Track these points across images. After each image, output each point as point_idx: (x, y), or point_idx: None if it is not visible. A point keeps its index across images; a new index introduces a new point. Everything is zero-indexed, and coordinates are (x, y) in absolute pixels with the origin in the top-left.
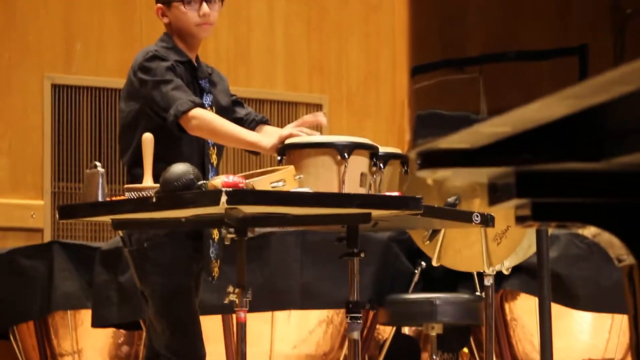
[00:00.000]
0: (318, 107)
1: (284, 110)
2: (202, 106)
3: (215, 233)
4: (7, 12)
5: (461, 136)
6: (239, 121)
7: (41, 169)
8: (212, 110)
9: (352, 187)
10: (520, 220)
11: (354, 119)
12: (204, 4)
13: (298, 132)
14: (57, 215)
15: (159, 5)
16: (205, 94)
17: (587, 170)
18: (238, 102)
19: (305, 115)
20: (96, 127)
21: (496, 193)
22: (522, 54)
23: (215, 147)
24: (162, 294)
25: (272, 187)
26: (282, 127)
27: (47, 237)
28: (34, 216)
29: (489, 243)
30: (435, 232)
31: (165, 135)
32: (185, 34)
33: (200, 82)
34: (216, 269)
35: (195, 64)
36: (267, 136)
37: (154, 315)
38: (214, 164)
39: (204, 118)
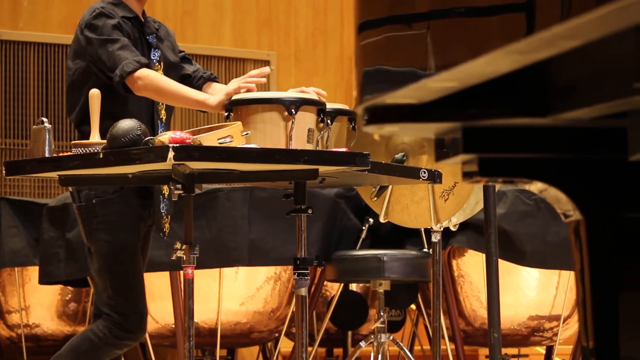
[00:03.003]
0: (266, 63)
1: (231, 67)
2: (148, 66)
3: (166, 189)
4: None
5: (408, 91)
6: (187, 78)
7: None
8: (160, 67)
9: (300, 143)
10: (467, 175)
11: (302, 75)
12: None
13: (244, 85)
14: (3, 171)
15: None
16: (152, 49)
17: (533, 125)
18: (186, 59)
19: (252, 70)
20: (43, 83)
21: (443, 149)
22: (470, 10)
23: (160, 64)
24: (107, 252)
25: (220, 143)
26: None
27: None
28: None
29: (437, 200)
30: (382, 189)
31: (113, 92)
32: None
33: (148, 37)
34: (167, 225)
35: (142, 20)
36: (213, 94)
37: (97, 272)
38: (163, 120)
39: (150, 78)
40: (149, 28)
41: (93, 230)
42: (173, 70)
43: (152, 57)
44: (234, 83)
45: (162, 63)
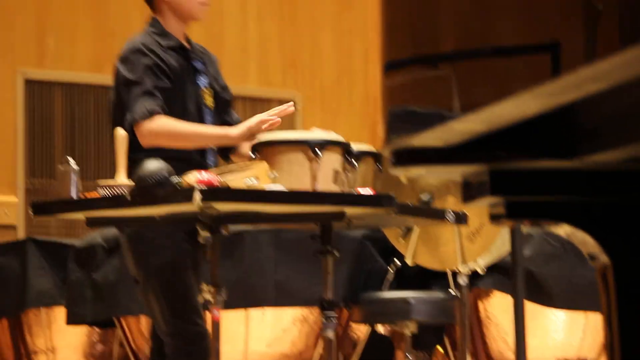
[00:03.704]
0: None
1: (256, 107)
2: (160, 113)
3: None
4: None
5: (435, 134)
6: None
7: (14, 165)
8: (209, 92)
9: (325, 184)
10: (494, 218)
11: (328, 115)
12: None
13: (267, 119)
14: (30, 212)
15: None
16: (199, 74)
17: (560, 168)
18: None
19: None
20: (69, 122)
21: (470, 191)
22: (495, 50)
23: (210, 89)
24: (158, 275)
25: (246, 184)
26: None
27: (21, 234)
28: (6, 213)
29: (463, 241)
30: (409, 230)
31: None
32: (184, 13)
33: (194, 63)
34: None
35: (187, 45)
36: (230, 128)
37: (151, 298)
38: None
39: (162, 125)
40: (195, 54)
41: (142, 255)
42: (221, 94)
43: (199, 83)
44: (257, 117)
45: (210, 88)
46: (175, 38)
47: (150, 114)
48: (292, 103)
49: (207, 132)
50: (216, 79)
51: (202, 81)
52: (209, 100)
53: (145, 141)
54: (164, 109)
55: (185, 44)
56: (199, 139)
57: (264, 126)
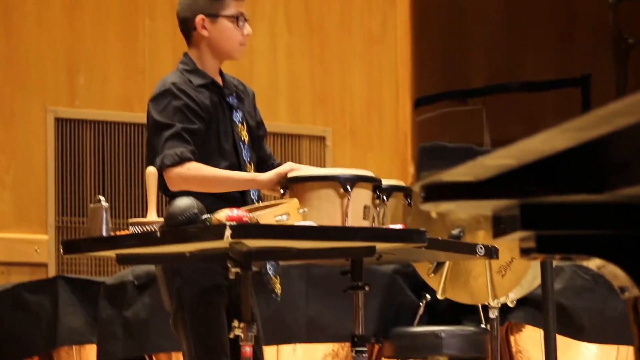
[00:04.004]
0: (321, 139)
1: (287, 143)
2: (191, 159)
3: None
4: (10, 45)
5: (465, 169)
6: (262, 160)
7: (45, 203)
8: (243, 127)
9: (356, 220)
10: (524, 252)
11: (358, 150)
12: (247, 24)
13: (297, 167)
14: (61, 250)
15: (202, 16)
16: (234, 111)
17: (590, 202)
18: (264, 134)
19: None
20: (99, 160)
21: (500, 225)
22: (525, 85)
23: (244, 124)
24: (190, 309)
25: (277, 220)
26: (285, 161)
27: (52, 272)
28: (38, 251)
29: (494, 275)
30: (439, 265)
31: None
32: (222, 51)
33: (228, 99)
34: (277, 286)
35: (221, 81)
36: (259, 173)
37: (181, 333)
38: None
39: (192, 171)
40: (228, 89)
41: (176, 287)
42: (255, 131)
43: (234, 119)
44: (288, 165)
45: (244, 124)
46: (209, 76)
47: (180, 159)
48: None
49: (236, 177)
50: (251, 113)
51: (237, 117)
52: (244, 135)
53: (174, 186)
54: (194, 152)
55: (219, 79)
56: (227, 184)
57: (290, 174)
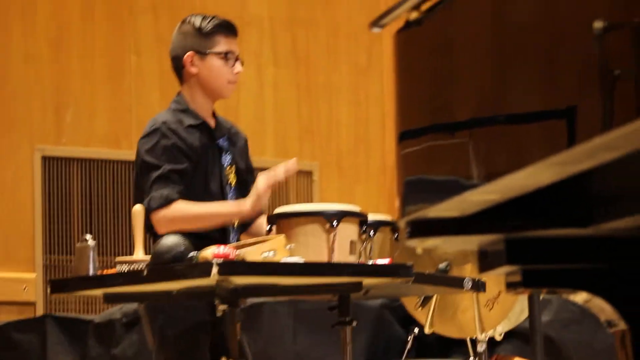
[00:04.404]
0: (308, 173)
1: None
2: (176, 199)
3: None
4: None
5: (450, 204)
6: None
7: (32, 241)
8: (232, 170)
9: (342, 255)
10: (511, 286)
11: (345, 184)
12: (238, 62)
13: (272, 179)
14: (48, 289)
15: (191, 52)
16: (223, 153)
17: (576, 236)
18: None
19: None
20: (87, 198)
21: (487, 260)
22: (510, 117)
23: (233, 167)
24: (173, 345)
25: (263, 257)
26: (272, 194)
27: (40, 311)
28: (25, 289)
29: (481, 309)
30: (427, 299)
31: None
32: (212, 89)
33: (218, 141)
34: None
35: (212, 124)
36: (242, 200)
37: None
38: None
39: (177, 211)
40: (220, 131)
41: (158, 325)
42: (244, 175)
43: (223, 161)
44: (262, 181)
45: (233, 166)
46: (200, 117)
47: (166, 201)
48: (295, 160)
49: (221, 210)
50: (242, 156)
51: (226, 159)
52: (232, 177)
53: (161, 229)
54: (182, 192)
55: (211, 120)
56: (214, 219)
57: (270, 188)
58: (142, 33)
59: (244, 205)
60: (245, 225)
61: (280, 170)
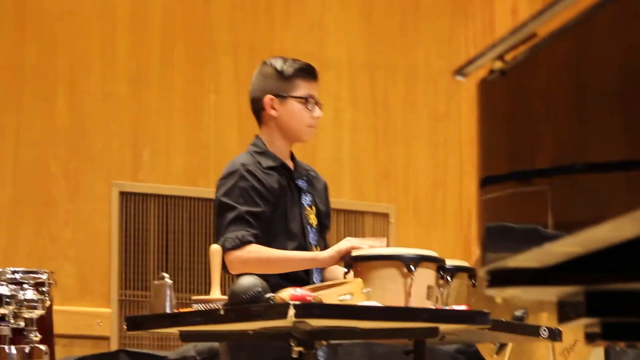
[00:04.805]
0: (384, 216)
1: (350, 220)
2: (252, 242)
3: None
4: (75, 119)
5: (530, 255)
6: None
7: (108, 276)
8: (312, 211)
9: (419, 300)
10: (589, 338)
11: (421, 228)
12: (317, 106)
13: (357, 246)
14: (124, 326)
15: (271, 96)
16: (303, 193)
17: None
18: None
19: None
20: (163, 234)
21: (566, 311)
22: (592, 167)
23: (313, 208)
24: None
25: (340, 300)
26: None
27: (114, 345)
28: (100, 324)
29: (557, 357)
30: (502, 346)
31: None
32: (291, 132)
33: (297, 182)
34: None
35: (291, 164)
36: (318, 252)
37: None
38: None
39: (253, 254)
40: (299, 172)
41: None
42: (323, 219)
43: (303, 202)
44: (347, 242)
45: (313, 207)
46: (278, 158)
47: (241, 243)
48: (385, 239)
49: (296, 257)
50: (321, 199)
51: (306, 200)
52: (312, 218)
53: (234, 270)
54: (257, 235)
55: (289, 162)
56: (288, 264)
57: (353, 252)
58: (222, 73)
59: (320, 256)
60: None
61: (367, 242)
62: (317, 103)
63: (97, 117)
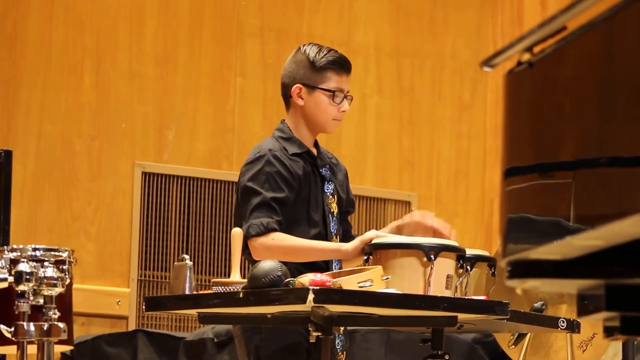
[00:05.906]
0: (406, 204)
1: (372, 207)
2: (276, 229)
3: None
4: (100, 97)
5: (552, 247)
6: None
7: (129, 256)
8: (334, 200)
9: (438, 289)
10: (608, 332)
11: (443, 216)
12: (345, 100)
13: (382, 235)
14: (143, 306)
15: (299, 85)
16: (326, 182)
17: None
18: (351, 208)
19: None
20: (185, 216)
21: (585, 304)
22: (616, 161)
23: (335, 196)
24: None
25: (360, 287)
26: (370, 224)
27: (132, 325)
28: (119, 303)
29: (575, 350)
30: (520, 337)
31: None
32: (315, 123)
33: (321, 170)
34: None
35: (315, 152)
36: (343, 243)
37: None
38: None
39: (276, 241)
40: (322, 160)
41: (255, 347)
42: (345, 205)
43: (326, 190)
44: (372, 233)
45: (335, 196)
46: (304, 145)
47: (265, 229)
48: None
49: (320, 246)
50: (343, 187)
51: (329, 188)
52: (334, 207)
53: (258, 255)
54: (281, 222)
55: (313, 150)
56: (312, 254)
57: (374, 240)
58: (249, 56)
59: (344, 247)
60: None
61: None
62: (346, 96)
63: (123, 96)
